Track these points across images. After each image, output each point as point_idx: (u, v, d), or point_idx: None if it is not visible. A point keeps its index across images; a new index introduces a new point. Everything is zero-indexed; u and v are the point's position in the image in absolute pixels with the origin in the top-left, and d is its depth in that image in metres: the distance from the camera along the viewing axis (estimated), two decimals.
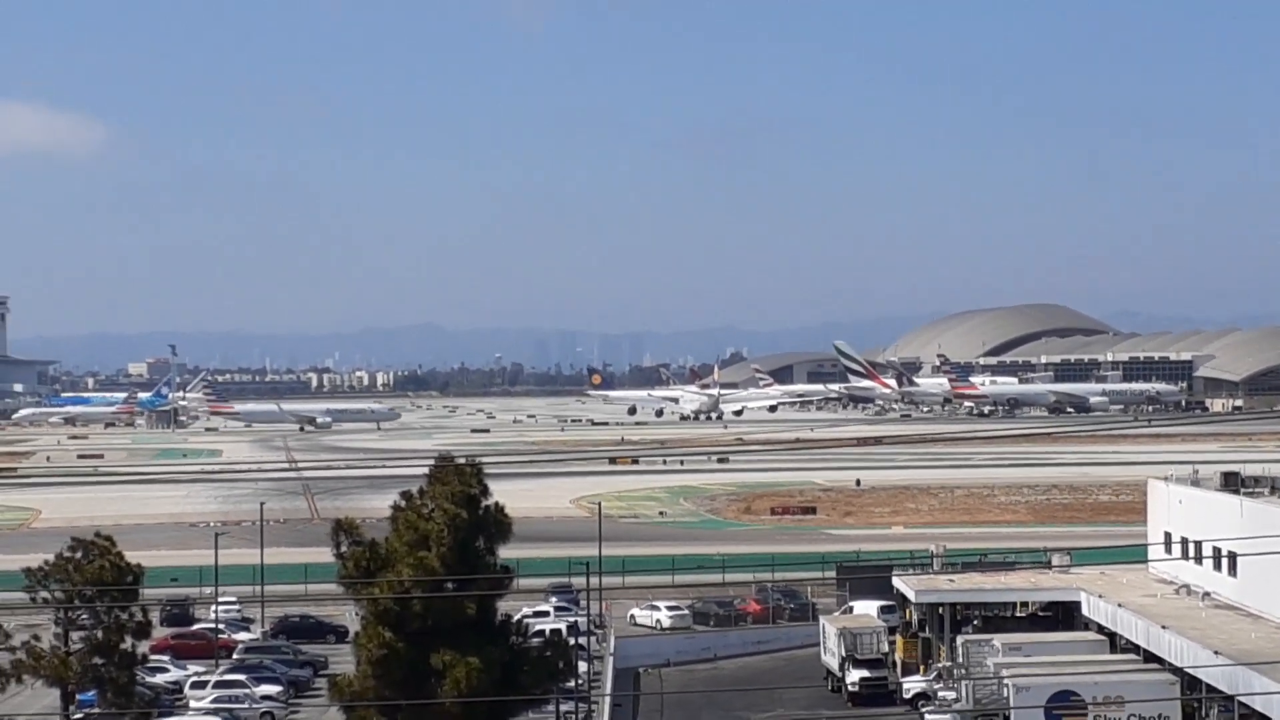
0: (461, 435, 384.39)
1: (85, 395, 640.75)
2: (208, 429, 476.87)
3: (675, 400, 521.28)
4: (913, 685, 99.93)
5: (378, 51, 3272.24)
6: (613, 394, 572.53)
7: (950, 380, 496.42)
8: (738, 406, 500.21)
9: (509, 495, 62.06)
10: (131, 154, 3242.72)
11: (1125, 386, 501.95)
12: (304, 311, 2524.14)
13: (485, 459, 59.45)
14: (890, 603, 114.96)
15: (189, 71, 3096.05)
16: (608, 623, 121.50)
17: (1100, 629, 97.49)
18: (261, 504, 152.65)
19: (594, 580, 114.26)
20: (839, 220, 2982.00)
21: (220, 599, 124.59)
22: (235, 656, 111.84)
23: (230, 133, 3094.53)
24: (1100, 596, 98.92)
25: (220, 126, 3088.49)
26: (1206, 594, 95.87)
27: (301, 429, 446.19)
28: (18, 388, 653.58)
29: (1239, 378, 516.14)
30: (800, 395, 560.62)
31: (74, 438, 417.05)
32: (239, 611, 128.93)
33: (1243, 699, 75.15)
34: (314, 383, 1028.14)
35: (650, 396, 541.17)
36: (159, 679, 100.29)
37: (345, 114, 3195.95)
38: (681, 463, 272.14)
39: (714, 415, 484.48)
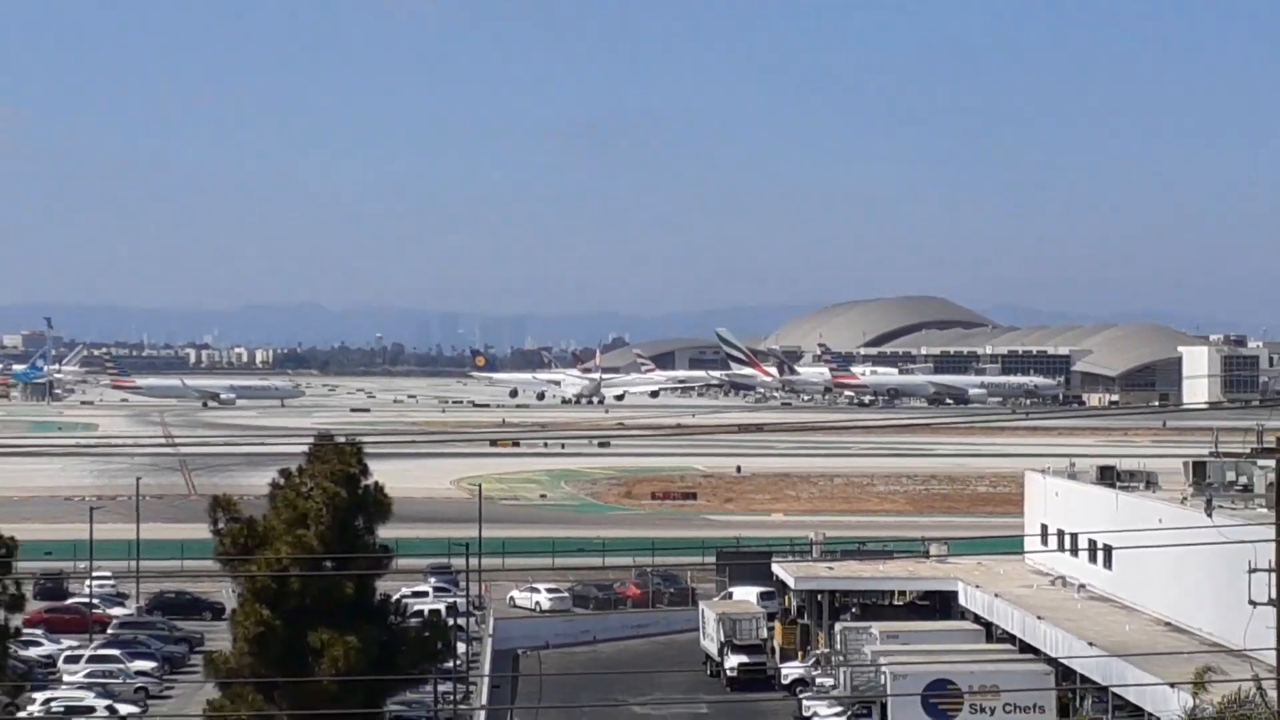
0: (341, 414, 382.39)
1: None
2: (83, 402, 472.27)
3: (557, 383, 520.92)
4: (791, 671, 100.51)
5: (252, 27, 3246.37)
6: (497, 376, 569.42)
7: (831, 369, 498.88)
8: (619, 391, 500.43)
9: (389, 475, 61.63)
10: (6, 126, 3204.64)
11: (1004, 379, 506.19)
12: (183, 287, 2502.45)
13: (365, 438, 59.10)
14: (770, 589, 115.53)
15: (64, 45, 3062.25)
16: (487, 604, 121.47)
17: (977, 619, 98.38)
18: (138, 479, 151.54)
19: (473, 561, 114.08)
20: (721, 208, 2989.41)
21: (95, 574, 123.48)
22: (110, 632, 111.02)
23: (109, 107, 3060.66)
24: (977, 586, 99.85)
25: (100, 101, 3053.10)
26: (1082, 586, 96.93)
27: (204, 404, 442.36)
28: None
29: (1115, 373, 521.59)
30: (682, 381, 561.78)
31: None
32: (114, 587, 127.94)
33: (1116, 690, 75.98)
34: (192, 358, 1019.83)
35: (535, 379, 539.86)
36: (32, 653, 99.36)
37: (225, 89, 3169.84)
38: (563, 446, 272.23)
39: (596, 399, 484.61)
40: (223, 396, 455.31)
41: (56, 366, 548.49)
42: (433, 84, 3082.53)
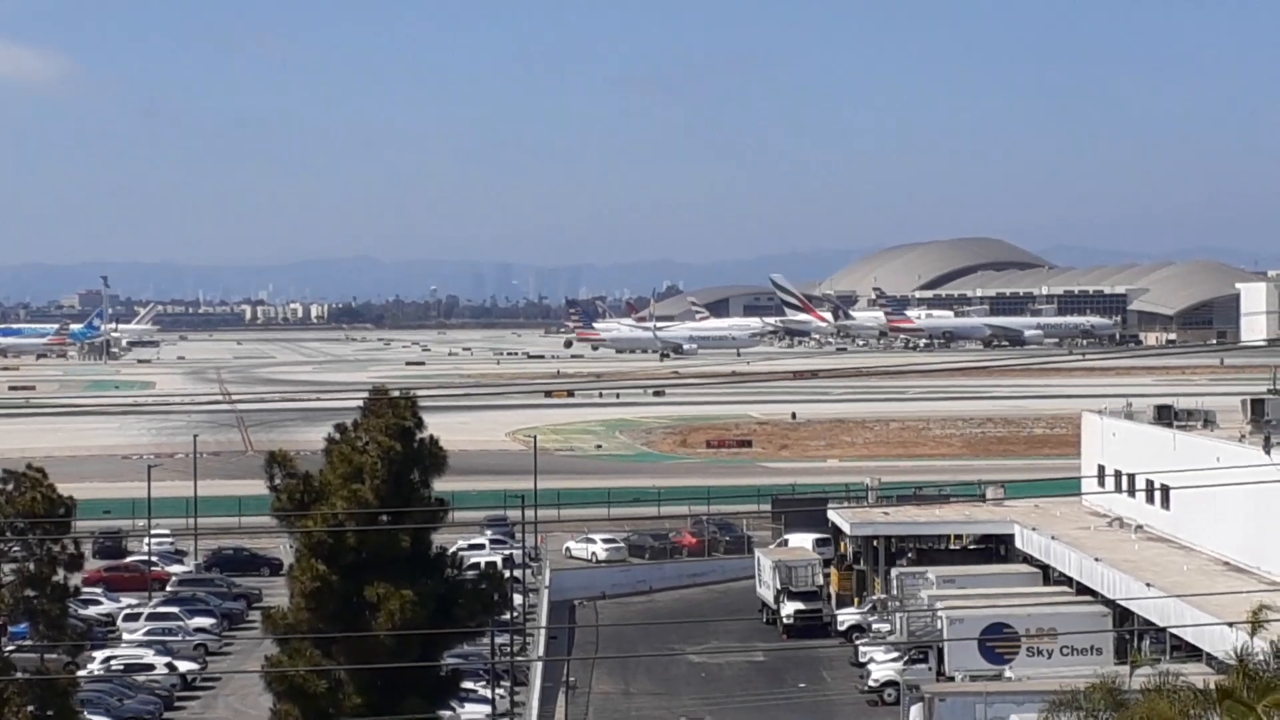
0: (396, 368, 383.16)
1: (16, 326, 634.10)
2: (140, 360, 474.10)
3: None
4: (847, 617, 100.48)
5: None
6: (598, 326, 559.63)
7: (886, 313, 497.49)
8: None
9: (444, 428, 61.81)
10: (67, 85, 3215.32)
11: (1060, 320, 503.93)
12: (237, 243, 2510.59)
13: (420, 391, 59.17)
14: (825, 535, 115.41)
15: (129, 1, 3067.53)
16: (543, 555, 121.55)
17: (1034, 561, 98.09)
18: (195, 436, 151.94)
19: (529, 513, 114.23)
20: (775, 154, 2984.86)
21: (153, 531, 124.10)
22: (168, 589, 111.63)
23: (167, 66, 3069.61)
24: (1034, 529, 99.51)
25: (158, 59, 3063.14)
26: (1139, 526, 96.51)
27: (663, 356, 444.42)
28: None
29: (1172, 311, 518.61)
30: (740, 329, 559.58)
31: (4, 369, 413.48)
32: (172, 544, 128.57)
33: (1174, 630, 75.70)
34: (248, 315, 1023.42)
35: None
36: (92, 611, 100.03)
37: (284, 46, 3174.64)
38: (618, 396, 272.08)
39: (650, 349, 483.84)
40: (684, 347, 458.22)
41: (113, 325, 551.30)
42: (485, 36, 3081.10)
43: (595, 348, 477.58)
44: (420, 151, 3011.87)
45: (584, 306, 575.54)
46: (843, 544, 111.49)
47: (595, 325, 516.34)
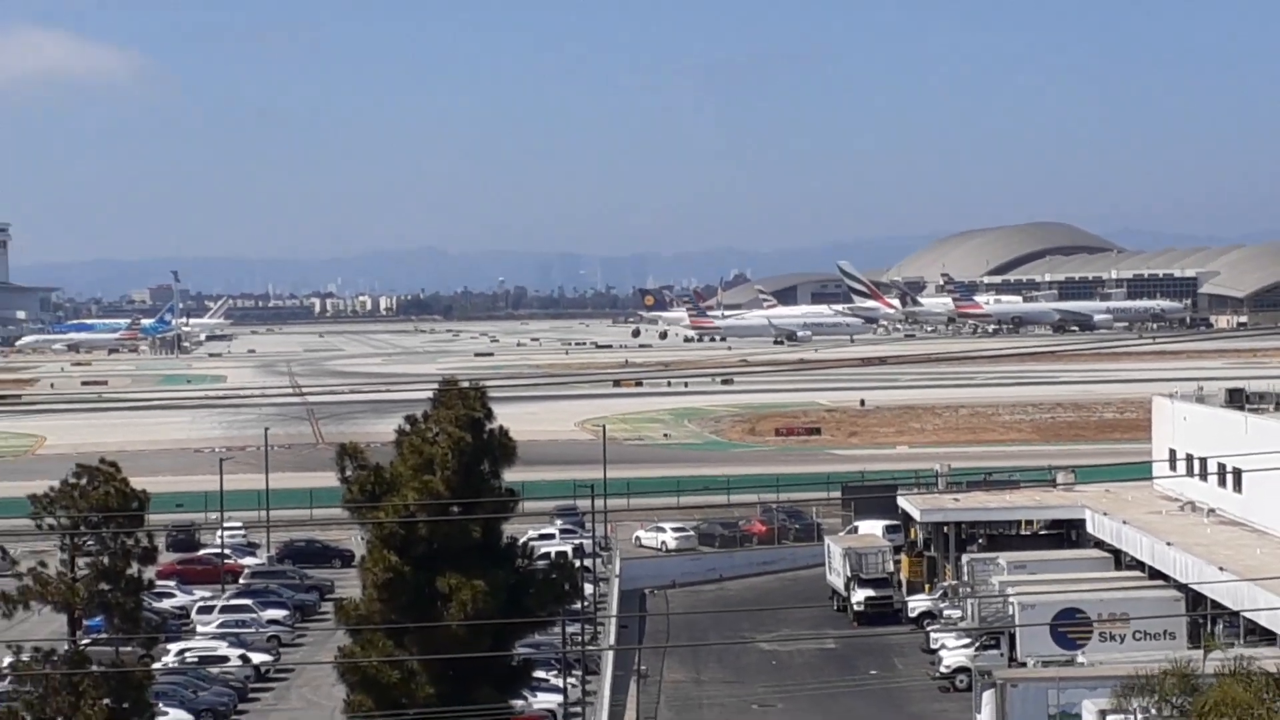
0: (465, 359, 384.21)
1: (88, 322, 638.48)
2: (211, 354, 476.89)
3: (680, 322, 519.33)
4: (918, 604, 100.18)
5: None
6: (666, 315, 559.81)
7: (954, 299, 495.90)
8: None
9: (513, 418, 61.95)
10: (136, 84, 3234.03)
11: (1129, 304, 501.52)
12: (306, 237, 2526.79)
13: (489, 382, 59.30)
14: (895, 522, 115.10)
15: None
16: (613, 545, 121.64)
17: (1105, 546, 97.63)
18: (266, 429, 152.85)
19: (599, 503, 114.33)
20: (842, 140, 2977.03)
21: (226, 524, 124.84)
22: (241, 581, 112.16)
23: (238, 59, 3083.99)
24: (1105, 514, 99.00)
25: (229, 53, 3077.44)
26: (1211, 510, 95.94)
27: (778, 342, 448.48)
28: (20, 315, 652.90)
29: (1243, 294, 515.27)
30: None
31: (78, 364, 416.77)
32: (244, 536, 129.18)
33: (1247, 615, 75.25)
34: (317, 308, 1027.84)
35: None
36: (166, 604, 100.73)
37: (351, 38, 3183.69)
38: (686, 384, 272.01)
39: (718, 336, 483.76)
40: (799, 335, 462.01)
41: (184, 320, 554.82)
42: (551, 25, 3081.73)
43: (712, 338, 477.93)
44: (487, 144, 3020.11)
45: (697, 295, 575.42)
46: (913, 530, 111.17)
47: (708, 314, 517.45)
